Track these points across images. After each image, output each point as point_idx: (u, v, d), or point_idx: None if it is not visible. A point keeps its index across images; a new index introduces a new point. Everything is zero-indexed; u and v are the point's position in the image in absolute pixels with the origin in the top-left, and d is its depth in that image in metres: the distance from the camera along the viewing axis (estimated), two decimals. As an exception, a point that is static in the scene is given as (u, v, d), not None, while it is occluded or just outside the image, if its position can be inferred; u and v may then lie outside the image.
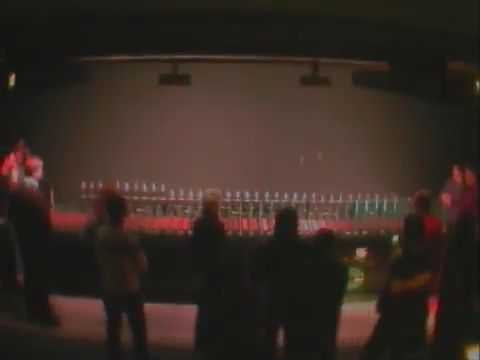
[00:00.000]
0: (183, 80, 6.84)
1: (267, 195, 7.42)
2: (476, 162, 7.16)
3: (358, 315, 5.58)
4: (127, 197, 6.74)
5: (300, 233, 5.56)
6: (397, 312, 4.75)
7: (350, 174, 7.98)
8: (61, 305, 6.15)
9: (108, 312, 5.05)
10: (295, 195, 7.46)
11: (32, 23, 6.03)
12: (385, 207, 7.57)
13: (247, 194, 7.41)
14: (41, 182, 6.17)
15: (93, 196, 7.12)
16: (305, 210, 7.40)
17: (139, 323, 5.06)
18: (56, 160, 7.13)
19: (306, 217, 7.34)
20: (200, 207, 6.65)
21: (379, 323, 5.01)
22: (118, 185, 7.35)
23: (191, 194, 7.41)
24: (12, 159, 7.00)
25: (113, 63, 6.94)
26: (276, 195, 7.43)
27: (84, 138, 8.12)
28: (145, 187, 7.52)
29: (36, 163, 6.16)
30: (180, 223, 7.16)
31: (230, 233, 6.68)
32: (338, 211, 7.48)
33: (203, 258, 5.34)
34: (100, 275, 4.99)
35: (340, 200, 7.52)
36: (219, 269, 4.61)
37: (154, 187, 7.53)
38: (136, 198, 7.40)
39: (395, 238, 6.19)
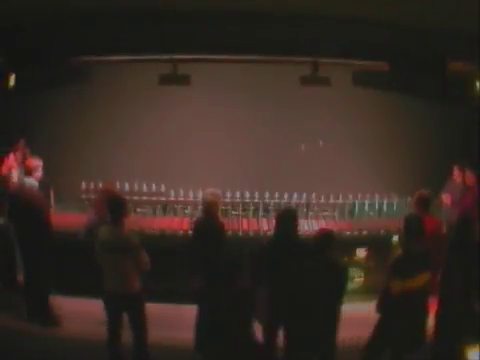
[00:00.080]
0: (183, 80, 6.84)
1: (267, 195, 7.41)
2: (476, 162, 7.16)
3: (358, 315, 5.58)
4: (127, 197, 6.73)
5: (300, 233, 5.55)
6: (397, 312, 4.74)
7: (350, 174, 7.97)
8: (61, 305, 6.15)
9: (109, 312, 5.05)
10: (295, 195, 7.46)
11: (32, 23, 6.03)
12: (385, 207, 7.57)
13: (247, 194, 7.41)
14: (41, 182, 6.17)
15: (93, 196, 7.12)
16: (305, 210, 7.40)
17: (140, 323, 5.06)
18: (56, 160, 7.13)
19: (306, 217, 7.34)
20: (200, 207, 6.66)
21: (379, 323, 5.01)
22: (118, 185, 7.36)
23: (191, 194, 7.41)
24: (12, 159, 7.00)
25: (113, 63, 6.94)
26: (276, 195, 7.43)
27: (84, 138, 8.11)
28: (145, 187, 7.52)
29: (36, 163, 6.15)
30: (180, 223, 7.16)
31: (230, 233, 6.68)
32: (338, 211, 7.48)
33: (203, 258, 5.33)
34: (100, 275, 4.99)
35: (340, 200, 7.52)
36: (217, 269, 4.60)
37: (154, 187, 7.53)
38: (136, 198, 7.40)
39: (395, 238, 6.19)
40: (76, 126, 8.08)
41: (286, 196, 7.45)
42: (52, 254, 5.93)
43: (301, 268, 4.74)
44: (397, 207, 7.52)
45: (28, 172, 6.08)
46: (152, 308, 5.22)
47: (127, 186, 7.49)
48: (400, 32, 6.08)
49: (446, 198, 7.35)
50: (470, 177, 7.22)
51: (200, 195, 7.02)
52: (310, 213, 7.42)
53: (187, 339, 5.44)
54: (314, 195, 7.49)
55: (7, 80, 6.41)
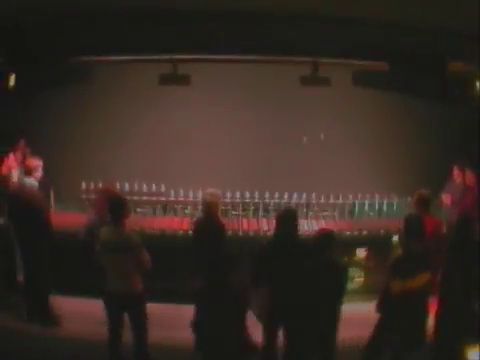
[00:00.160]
0: (183, 80, 6.84)
1: (267, 195, 7.41)
2: (476, 162, 7.16)
3: (358, 315, 5.58)
4: (127, 197, 6.73)
5: (300, 233, 5.55)
6: (397, 312, 4.75)
7: (350, 174, 7.97)
8: (61, 305, 6.16)
9: (111, 312, 5.06)
10: (295, 195, 7.46)
11: (32, 23, 6.03)
12: (385, 207, 7.57)
13: (247, 194, 7.40)
14: (41, 182, 6.16)
15: (93, 196, 7.12)
16: (305, 210, 7.39)
17: (141, 323, 5.07)
18: (56, 160, 7.12)
19: (306, 217, 7.34)
20: (200, 207, 6.65)
21: (379, 323, 5.01)
22: (118, 185, 7.35)
23: (191, 194, 7.40)
24: (12, 159, 6.99)
25: (113, 63, 6.94)
26: (276, 195, 7.43)
27: (84, 138, 8.11)
28: (145, 187, 7.52)
29: (36, 163, 6.15)
30: (180, 223, 7.16)
31: (230, 233, 6.68)
32: (338, 211, 7.48)
33: (203, 258, 5.33)
34: (100, 275, 4.99)
35: (340, 200, 7.51)
36: (213, 268, 4.60)
37: (154, 187, 7.52)
38: (136, 198, 7.39)
39: (395, 238, 6.19)
40: (76, 126, 8.07)
41: (286, 196, 7.44)
42: (52, 254, 5.93)
43: (301, 268, 4.74)
44: (397, 207, 7.51)
45: (28, 172, 6.07)
46: (152, 308, 5.22)
47: (127, 186, 7.49)
48: (400, 32, 6.08)
49: (446, 198, 7.34)
50: (470, 177, 7.21)
51: (200, 195, 7.02)
52: (310, 213, 7.42)
53: (187, 339, 5.44)
54: (314, 195, 7.49)
55: (7, 80, 6.42)
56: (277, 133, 8.34)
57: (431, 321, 5.05)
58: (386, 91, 7.40)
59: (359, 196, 7.62)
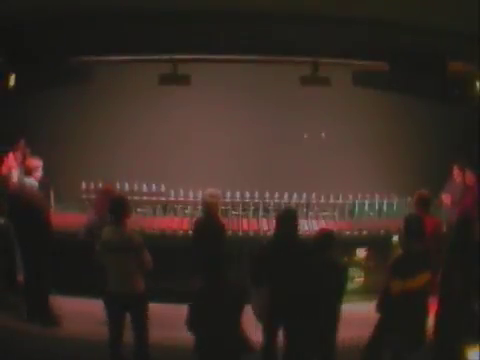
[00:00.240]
0: (183, 80, 6.85)
1: (267, 195, 7.40)
2: (476, 162, 7.16)
3: (358, 315, 5.58)
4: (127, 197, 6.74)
5: (300, 233, 5.54)
6: (397, 312, 4.75)
7: (350, 174, 7.98)
8: (61, 305, 6.15)
9: (112, 312, 5.05)
10: (295, 195, 7.46)
11: (32, 23, 6.03)
12: (385, 207, 7.56)
13: (247, 194, 7.40)
14: (41, 182, 6.16)
15: (93, 196, 7.11)
16: (305, 210, 7.39)
17: (142, 323, 5.07)
18: (56, 160, 7.12)
19: (306, 217, 7.33)
20: (200, 207, 6.65)
21: (379, 323, 5.02)
22: (118, 185, 7.36)
23: (191, 194, 7.40)
24: (12, 159, 6.99)
25: (113, 63, 6.94)
26: (276, 195, 7.42)
27: (84, 138, 8.11)
28: (145, 187, 7.51)
29: (36, 163, 6.15)
30: (180, 223, 7.16)
31: (230, 233, 6.68)
32: (338, 211, 7.47)
33: (203, 258, 5.32)
34: (100, 275, 4.99)
35: (340, 200, 7.51)
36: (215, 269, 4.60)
37: (154, 187, 7.52)
38: (136, 198, 7.38)
39: (395, 238, 6.19)
40: (76, 126, 8.08)
41: (286, 196, 7.44)
42: (52, 254, 5.93)
43: (301, 268, 4.74)
44: (397, 207, 7.51)
45: (28, 172, 6.07)
46: (152, 308, 5.21)
47: (127, 186, 7.49)
48: (400, 32, 6.08)
49: (446, 198, 7.34)
50: (470, 177, 7.21)
51: (200, 195, 7.01)
52: (310, 213, 7.41)
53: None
54: (314, 195, 7.48)
55: (7, 80, 6.41)
56: (277, 133, 8.34)
57: (431, 321, 5.05)
58: (386, 91, 7.40)
59: (359, 196, 7.62)
